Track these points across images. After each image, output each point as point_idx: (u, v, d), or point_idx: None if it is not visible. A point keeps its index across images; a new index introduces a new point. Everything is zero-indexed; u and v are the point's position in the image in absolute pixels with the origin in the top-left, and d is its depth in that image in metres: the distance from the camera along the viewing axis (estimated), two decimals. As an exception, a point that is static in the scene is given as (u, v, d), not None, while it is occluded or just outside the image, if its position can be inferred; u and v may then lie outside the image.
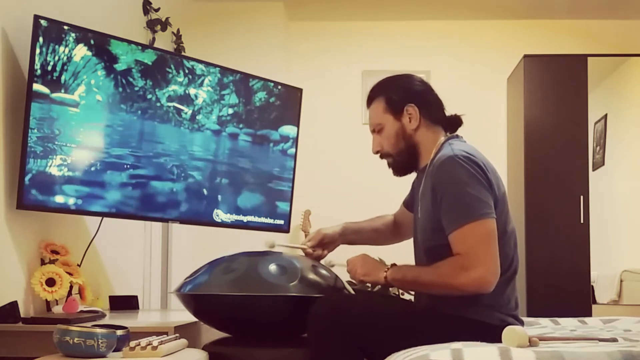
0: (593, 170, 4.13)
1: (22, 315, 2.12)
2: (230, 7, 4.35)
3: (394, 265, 1.88)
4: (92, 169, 2.44)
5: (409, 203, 2.14)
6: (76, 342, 1.58)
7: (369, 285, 4.02)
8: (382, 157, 2.02)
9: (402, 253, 2.28)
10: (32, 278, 2.23)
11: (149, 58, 2.64)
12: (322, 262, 2.14)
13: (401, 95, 1.95)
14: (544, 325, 2.28)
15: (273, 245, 2.12)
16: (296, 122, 3.19)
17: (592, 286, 3.99)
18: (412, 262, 1.96)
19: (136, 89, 2.59)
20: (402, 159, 1.97)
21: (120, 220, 2.73)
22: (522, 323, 1.85)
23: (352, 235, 2.21)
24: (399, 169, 2.00)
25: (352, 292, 2.05)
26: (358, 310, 1.76)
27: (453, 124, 1.97)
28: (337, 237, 2.18)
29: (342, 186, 4.51)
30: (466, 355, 1.43)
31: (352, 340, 1.72)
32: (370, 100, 2.02)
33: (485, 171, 1.78)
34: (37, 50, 2.23)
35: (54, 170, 2.30)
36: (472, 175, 1.75)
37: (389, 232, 2.23)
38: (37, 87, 2.24)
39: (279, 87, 3.13)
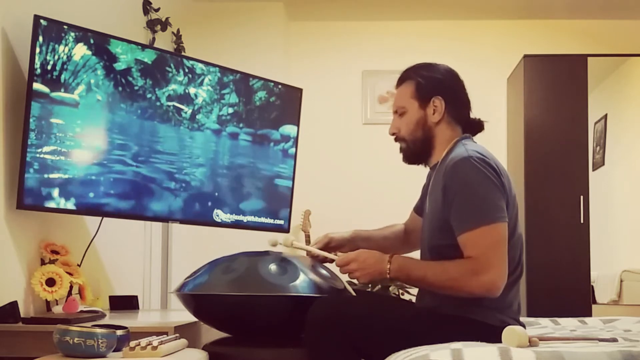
0: (593, 170, 4.13)
1: (22, 315, 2.12)
2: (230, 7, 4.35)
3: (393, 256, 1.85)
4: (92, 168, 2.43)
5: (420, 209, 2.12)
6: (76, 342, 1.58)
7: (370, 285, 4.03)
8: (396, 140, 2.00)
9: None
10: (32, 278, 2.23)
11: (149, 57, 2.64)
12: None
13: (432, 84, 1.93)
14: (544, 325, 2.28)
15: (276, 244, 2.11)
16: (296, 122, 3.18)
17: (592, 286, 3.99)
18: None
19: (136, 88, 2.59)
20: (416, 147, 1.95)
21: (120, 220, 2.73)
22: (523, 326, 1.85)
23: (361, 243, 2.19)
24: (409, 157, 1.98)
25: (353, 292, 2.04)
26: (356, 312, 1.76)
27: (474, 127, 1.97)
28: (344, 243, 2.16)
29: (342, 186, 4.51)
30: (466, 355, 1.43)
31: (350, 342, 1.72)
32: (401, 80, 1.99)
33: (498, 173, 1.77)
34: (37, 50, 2.23)
35: (54, 170, 2.30)
36: (486, 177, 1.74)
37: (399, 242, 2.21)
38: (37, 86, 2.24)
39: (279, 86, 3.13)
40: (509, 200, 1.79)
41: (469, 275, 1.71)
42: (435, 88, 1.93)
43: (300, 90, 3.23)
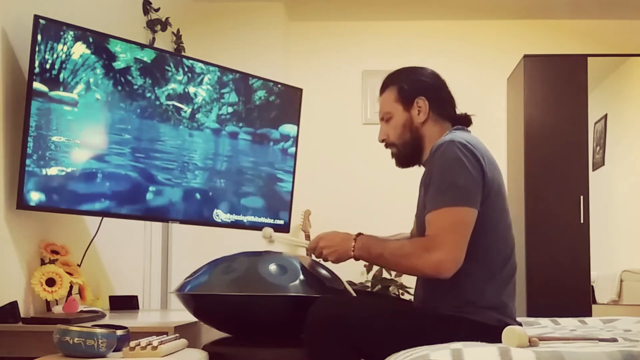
0: (593, 170, 4.13)
1: (22, 315, 2.12)
2: (230, 7, 4.35)
3: (360, 235, 1.89)
4: (92, 168, 2.43)
5: None
6: (76, 342, 1.58)
7: (370, 285, 4.03)
8: (386, 146, 2.02)
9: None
10: (32, 278, 2.23)
11: (148, 56, 2.64)
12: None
13: (413, 86, 1.95)
14: (544, 325, 2.28)
15: (270, 236, 2.10)
16: (296, 122, 3.18)
17: (592, 286, 3.99)
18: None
19: (135, 87, 2.59)
20: (406, 150, 1.97)
21: (120, 220, 2.73)
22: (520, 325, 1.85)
23: None
24: (402, 160, 2.00)
25: (353, 292, 2.04)
26: (356, 312, 1.76)
27: (462, 122, 1.97)
28: None
29: (342, 186, 4.51)
30: (466, 355, 1.43)
31: (350, 342, 1.72)
32: (383, 88, 2.02)
33: (480, 161, 1.77)
34: (37, 49, 2.23)
35: (53, 170, 2.30)
36: (461, 162, 1.75)
37: None
38: (37, 85, 2.24)
39: (279, 86, 3.13)
40: (491, 189, 1.79)
41: (420, 251, 1.74)
42: (417, 89, 1.95)
43: (300, 90, 3.23)
